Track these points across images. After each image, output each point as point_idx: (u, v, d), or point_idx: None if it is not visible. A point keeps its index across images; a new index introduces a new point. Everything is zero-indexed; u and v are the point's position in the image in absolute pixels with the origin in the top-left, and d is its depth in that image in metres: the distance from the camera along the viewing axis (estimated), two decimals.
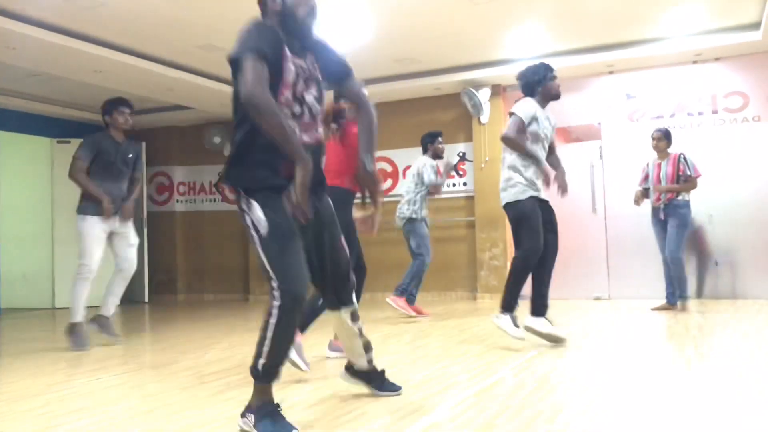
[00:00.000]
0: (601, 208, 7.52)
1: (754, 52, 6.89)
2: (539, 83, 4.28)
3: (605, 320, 5.62)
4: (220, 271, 9.63)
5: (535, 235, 4.18)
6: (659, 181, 6.11)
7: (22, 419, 2.84)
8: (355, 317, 2.78)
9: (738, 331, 4.69)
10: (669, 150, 6.17)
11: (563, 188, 4.36)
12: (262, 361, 2.43)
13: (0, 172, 8.76)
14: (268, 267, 2.35)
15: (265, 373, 2.43)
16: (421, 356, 4.06)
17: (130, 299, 9.30)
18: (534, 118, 4.18)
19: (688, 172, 6.06)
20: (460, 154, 8.24)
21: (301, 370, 3.39)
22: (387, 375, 3.01)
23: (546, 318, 4.33)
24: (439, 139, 6.34)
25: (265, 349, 2.42)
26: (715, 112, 7.14)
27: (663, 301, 6.14)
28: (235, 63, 2.33)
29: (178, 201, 9.90)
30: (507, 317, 4.22)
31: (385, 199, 8.26)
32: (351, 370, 2.97)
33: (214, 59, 7.00)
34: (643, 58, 7.03)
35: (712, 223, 7.03)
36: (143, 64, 6.73)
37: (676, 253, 5.99)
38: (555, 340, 4.28)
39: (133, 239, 5.15)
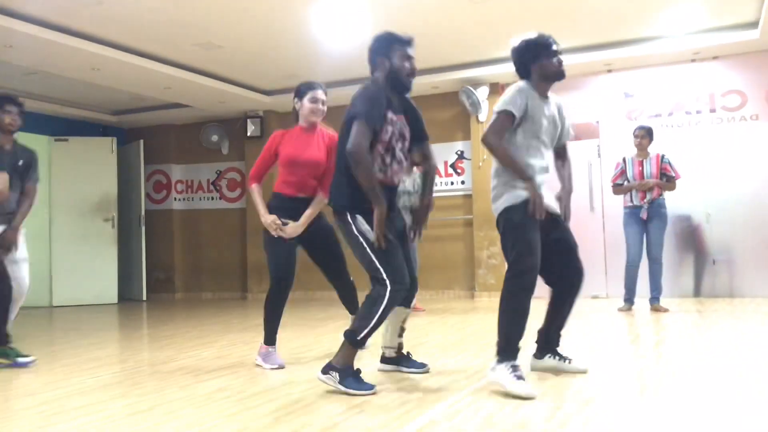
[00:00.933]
0: (598, 206, 7.53)
1: (752, 51, 6.90)
2: (533, 60, 3.30)
3: (603, 319, 5.63)
4: (218, 269, 9.62)
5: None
6: (642, 179, 6.08)
7: (19, 418, 2.84)
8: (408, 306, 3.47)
9: (736, 329, 4.70)
10: (649, 149, 6.17)
11: (565, 215, 3.47)
12: (365, 331, 2.98)
13: None
14: (378, 265, 3.01)
15: (361, 341, 3.01)
16: (418, 354, 4.06)
17: (127, 298, 9.30)
18: (525, 111, 3.13)
19: (672, 173, 6.07)
20: (458, 153, 8.25)
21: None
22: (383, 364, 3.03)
23: (557, 352, 3.43)
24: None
25: (371, 323, 2.97)
26: (713, 110, 7.14)
27: (637, 304, 6.12)
28: (351, 119, 3.05)
29: (175, 199, 9.89)
30: (503, 367, 2.98)
31: None
32: (384, 359, 3.56)
33: (213, 57, 7.00)
34: (642, 56, 7.04)
35: (710, 221, 7.04)
36: (141, 62, 6.72)
37: (660, 254, 6.02)
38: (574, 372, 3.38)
39: (21, 254, 4.18)
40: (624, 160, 6.20)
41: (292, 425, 2.51)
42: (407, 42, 3.31)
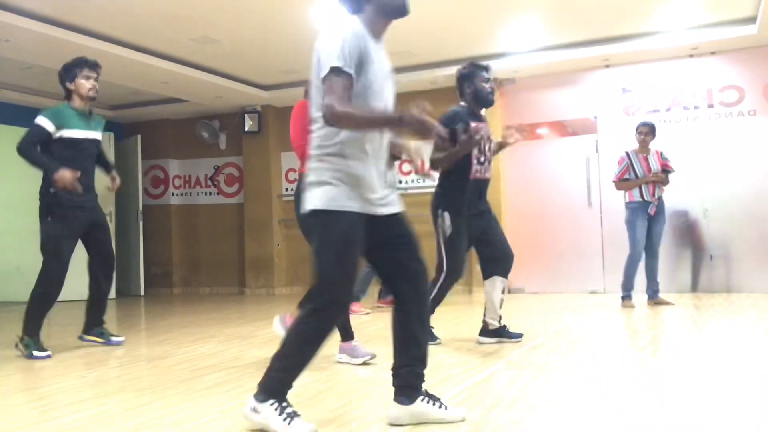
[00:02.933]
0: (596, 201, 7.54)
1: (750, 47, 6.90)
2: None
3: (600, 314, 5.64)
4: (216, 264, 9.62)
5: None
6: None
7: (17, 413, 2.84)
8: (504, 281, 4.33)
9: (733, 324, 4.72)
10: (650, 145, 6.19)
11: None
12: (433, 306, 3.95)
13: None
14: (444, 255, 4.12)
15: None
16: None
17: (125, 293, 9.30)
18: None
19: (672, 169, 6.09)
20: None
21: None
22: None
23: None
24: None
25: (434, 301, 4.05)
26: (710, 106, 7.14)
27: (649, 298, 6.14)
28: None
29: (173, 194, 9.88)
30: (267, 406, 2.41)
31: None
32: (485, 331, 4.26)
33: (209, 52, 6.98)
34: (640, 51, 7.03)
35: (707, 217, 7.05)
36: (138, 56, 6.70)
37: (658, 249, 6.11)
38: None
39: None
40: (628, 155, 6.17)
41: None
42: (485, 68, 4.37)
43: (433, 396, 2.45)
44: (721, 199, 6.98)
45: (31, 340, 4.17)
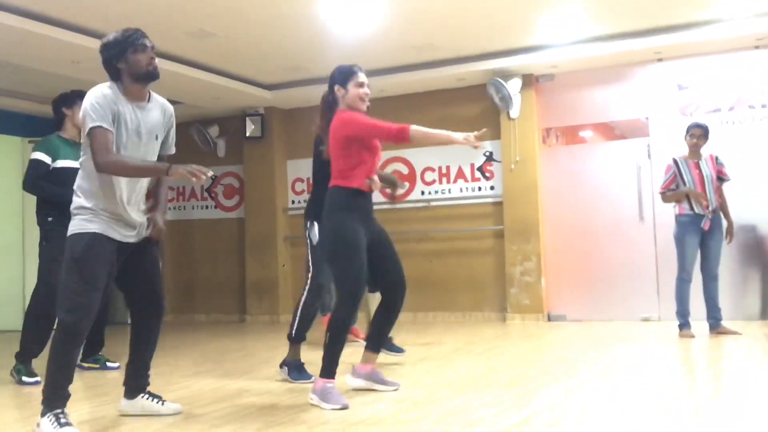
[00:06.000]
0: (649, 215, 7.48)
1: None
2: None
3: (654, 345, 5.58)
4: (213, 288, 9.66)
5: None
6: (703, 185, 6.04)
7: None
8: None
9: None
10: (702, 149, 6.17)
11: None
12: None
13: None
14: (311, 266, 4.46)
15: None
16: (442, 387, 4.05)
17: (109, 320, 9.33)
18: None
19: (728, 177, 6.06)
20: (487, 154, 8.24)
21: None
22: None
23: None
24: None
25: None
26: None
27: (709, 326, 6.08)
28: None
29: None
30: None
31: (400, 206, 8.28)
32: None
33: (205, 47, 7.05)
34: (697, 43, 6.99)
35: None
36: None
37: (718, 270, 6.05)
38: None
39: None
40: (676, 162, 6.15)
41: None
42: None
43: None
44: None
45: (22, 365, 4.70)
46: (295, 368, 4.38)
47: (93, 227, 3.21)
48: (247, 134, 9.15)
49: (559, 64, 7.59)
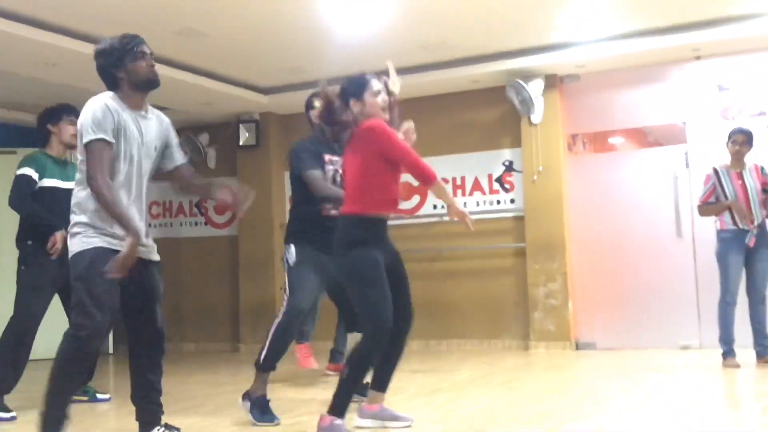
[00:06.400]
0: (687, 230, 7.46)
1: None
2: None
3: (695, 376, 5.55)
4: (203, 313, 9.65)
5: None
6: (747, 197, 6.01)
7: None
8: None
9: None
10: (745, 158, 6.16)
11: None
12: None
13: None
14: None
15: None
16: (458, 422, 4.03)
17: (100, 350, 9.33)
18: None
19: None
20: (506, 164, 8.23)
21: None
22: None
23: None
24: None
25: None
26: None
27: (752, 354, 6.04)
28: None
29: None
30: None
31: (410, 221, 8.28)
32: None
33: (195, 48, 7.09)
34: (740, 39, 6.99)
35: None
36: None
37: (765, 292, 5.99)
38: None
39: None
40: (716, 172, 6.14)
41: None
42: None
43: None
44: None
45: None
46: (258, 406, 4.25)
47: (95, 242, 3.30)
48: (241, 143, 9.18)
49: (585, 63, 7.60)
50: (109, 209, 3.27)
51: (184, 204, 9.89)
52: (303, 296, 4.40)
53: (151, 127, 3.56)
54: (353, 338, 4.42)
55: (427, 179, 3.72)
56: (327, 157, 4.62)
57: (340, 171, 4.42)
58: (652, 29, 7.03)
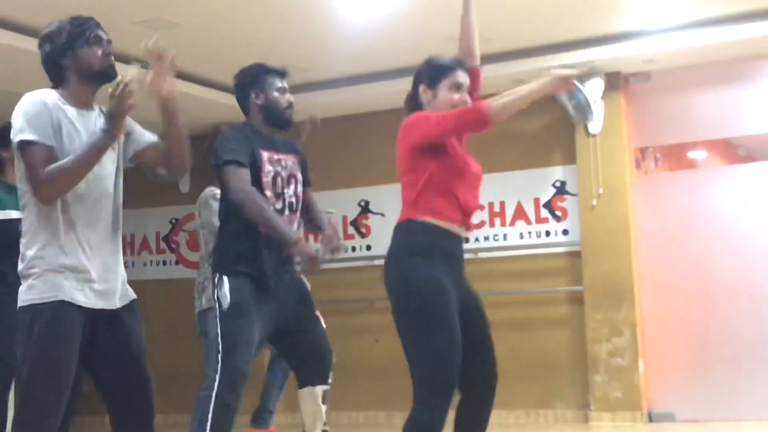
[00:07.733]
0: None
1: None
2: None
3: None
4: (174, 377, 9.65)
5: None
6: None
7: None
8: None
9: None
10: None
11: None
12: None
13: None
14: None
15: None
16: None
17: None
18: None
19: None
20: (557, 184, 8.24)
21: None
22: None
23: None
24: None
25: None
26: None
27: None
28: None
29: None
30: None
31: None
32: None
33: (165, 41, 7.16)
34: None
35: None
36: None
37: None
38: None
39: None
40: None
41: None
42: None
43: None
44: None
45: None
46: None
47: (54, 293, 3.12)
48: None
49: (656, 58, 7.63)
50: (79, 169, 3.26)
51: (150, 238, 9.92)
52: (242, 355, 4.04)
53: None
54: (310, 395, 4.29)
55: (480, 120, 3.76)
56: (266, 154, 4.33)
57: (284, 175, 4.35)
58: (741, 14, 7.01)
